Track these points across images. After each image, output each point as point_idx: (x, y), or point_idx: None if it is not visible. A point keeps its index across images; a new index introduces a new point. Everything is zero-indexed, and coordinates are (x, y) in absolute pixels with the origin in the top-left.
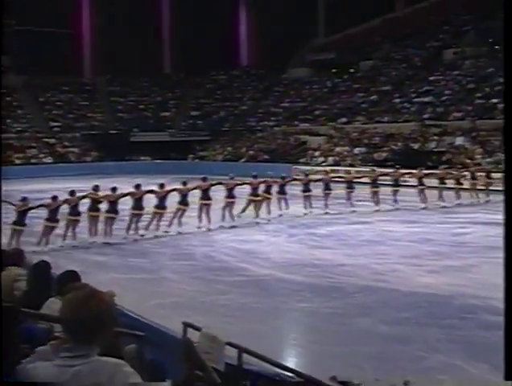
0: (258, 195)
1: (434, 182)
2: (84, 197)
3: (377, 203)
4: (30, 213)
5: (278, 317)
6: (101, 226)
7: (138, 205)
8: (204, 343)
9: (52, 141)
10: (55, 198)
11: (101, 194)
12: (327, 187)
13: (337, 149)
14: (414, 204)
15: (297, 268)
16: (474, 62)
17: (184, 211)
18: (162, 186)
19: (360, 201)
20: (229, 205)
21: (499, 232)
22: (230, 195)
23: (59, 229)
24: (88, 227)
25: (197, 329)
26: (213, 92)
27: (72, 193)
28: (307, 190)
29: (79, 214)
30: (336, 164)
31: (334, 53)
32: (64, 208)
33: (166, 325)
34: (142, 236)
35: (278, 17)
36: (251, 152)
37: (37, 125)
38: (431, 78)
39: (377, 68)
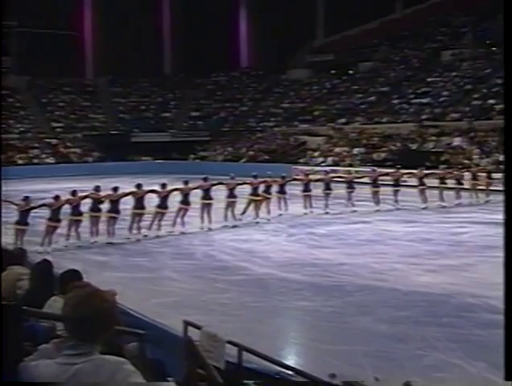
0: (258, 195)
1: (434, 182)
2: (85, 197)
3: (377, 202)
4: (33, 212)
5: (278, 315)
6: (102, 226)
7: (139, 204)
8: (205, 342)
9: (54, 141)
10: (57, 197)
11: (102, 194)
12: (327, 187)
13: (336, 149)
14: (413, 204)
15: (297, 268)
16: (472, 63)
17: (186, 210)
18: (164, 185)
19: (360, 201)
20: (231, 205)
21: (497, 231)
22: (231, 194)
23: (63, 229)
24: (89, 227)
25: (198, 327)
26: (214, 92)
27: (74, 193)
28: (307, 190)
29: (81, 214)
30: (336, 164)
31: (333, 54)
32: (66, 208)
33: (167, 323)
34: (146, 236)
35: (278, 19)
36: (251, 152)
37: (39, 125)
38: (429, 79)
39: (375, 69)
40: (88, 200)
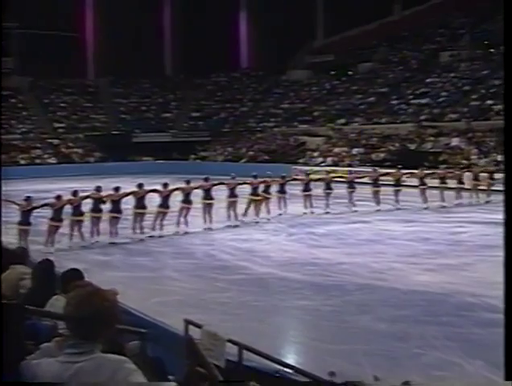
0: (258, 195)
1: (435, 182)
2: (86, 197)
3: (378, 202)
4: (35, 212)
5: (278, 314)
6: (103, 226)
7: (140, 204)
8: (206, 340)
9: (56, 141)
10: (59, 197)
11: (103, 194)
12: (328, 187)
13: (336, 149)
14: (413, 204)
15: (296, 267)
16: (470, 64)
17: (189, 209)
18: (165, 185)
19: (361, 201)
20: (233, 204)
21: (495, 230)
22: (232, 194)
23: (66, 229)
24: (90, 227)
25: (198, 326)
26: (214, 93)
27: (75, 193)
28: (307, 189)
29: (82, 214)
30: (335, 164)
31: (333, 55)
32: (68, 208)
33: (167, 322)
34: (152, 237)
35: (278, 20)
36: (251, 152)
37: (41, 126)
38: (428, 80)
39: (374, 70)
40: (89, 200)
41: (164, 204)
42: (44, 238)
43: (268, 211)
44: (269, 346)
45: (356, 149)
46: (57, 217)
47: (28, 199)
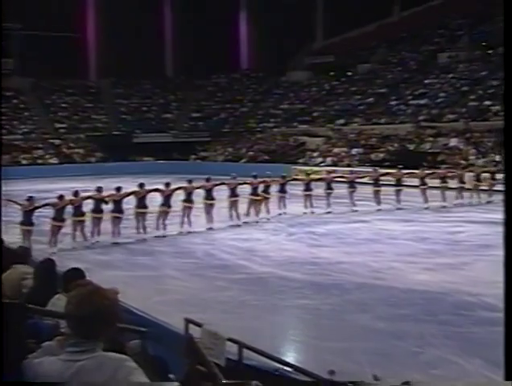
0: (257, 195)
1: (435, 182)
2: (87, 198)
3: (378, 202)
4: (37, 212)
5: (278, 313)
6: (104, 226)
7: (141, 204)
8: (206, 339)
9: (58, 142)
10: (61, 197)
11: (104, 194)
12: (328, 187)
13: (335, 149)
14: (413, 204)
15: (296, 266)
16: (468, 65)
17: (191, 208)
18: (168, 185)
19: (361, 201)
20: (234, 204)
21: (493, 230)
22: (233, 193)
23: (68, 228)
24: (91, 227)
25: (199, 325)
26: (214, 94)
27: (76, 193)
28: (307, 189)
29: (83, 214)
30: (335, 164)
31: (332, 56)
32: (70, 208)
33: (168, 321)
34: (157, 237)
35: (278, 21)
36: (251, 153)
37: (43, 126)
38: (427, 81)
39: (374, 71)
40: (90, 200)
41: (166, 204)
42: (47, 238)
43: (268, 211)
44: (269, 345)
45: (355, 150)
46: (59, 217)
47: (30, 199)
